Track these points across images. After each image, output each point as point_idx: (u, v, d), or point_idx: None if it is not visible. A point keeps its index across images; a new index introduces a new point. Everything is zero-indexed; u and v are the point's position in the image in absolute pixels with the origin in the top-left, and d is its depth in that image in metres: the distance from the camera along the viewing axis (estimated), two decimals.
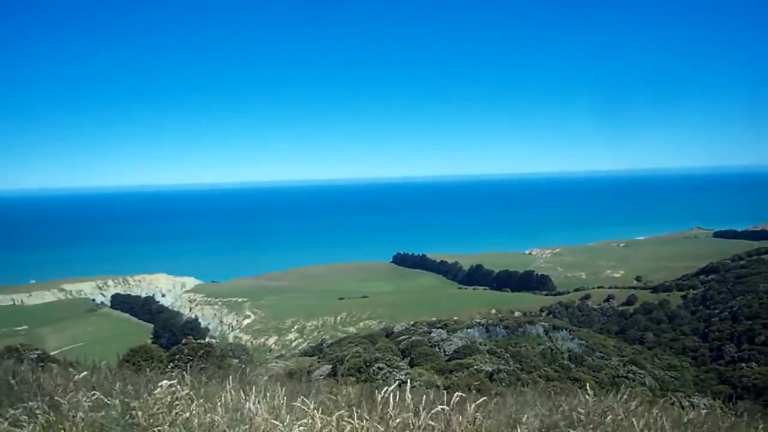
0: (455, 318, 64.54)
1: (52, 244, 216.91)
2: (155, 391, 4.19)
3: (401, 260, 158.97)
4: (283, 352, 78.79)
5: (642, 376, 40.40)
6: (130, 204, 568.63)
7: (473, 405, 3.55)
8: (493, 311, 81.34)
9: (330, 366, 36.31)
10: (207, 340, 71.85)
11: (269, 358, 70.01)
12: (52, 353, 45.93)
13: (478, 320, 57.69)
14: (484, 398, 4.27)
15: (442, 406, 3.23)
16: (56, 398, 4.34)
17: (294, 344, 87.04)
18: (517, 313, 74.96)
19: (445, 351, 40.01)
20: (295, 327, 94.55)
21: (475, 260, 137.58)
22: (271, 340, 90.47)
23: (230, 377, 4.56)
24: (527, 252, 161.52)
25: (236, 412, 3.70)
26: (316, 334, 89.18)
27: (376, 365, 29.39)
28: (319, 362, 42.47)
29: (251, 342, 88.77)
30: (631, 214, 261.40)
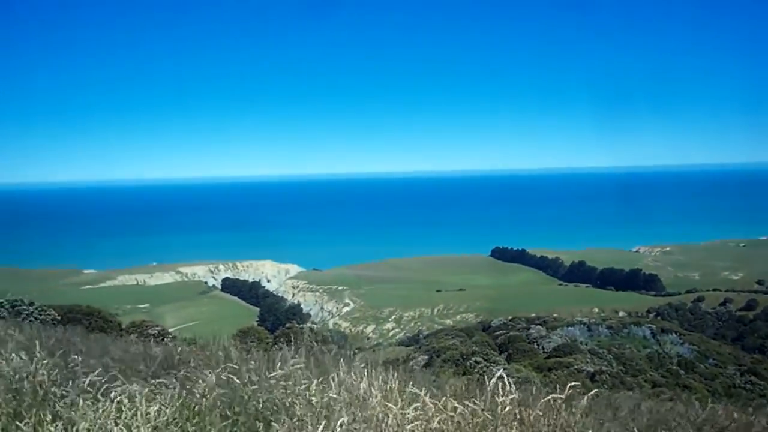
0: (555, 315, 63.00)
1: (171, 230, 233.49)
2: (277, 369, 4.66)
3: (500, 254, 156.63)
4: (381, 341, 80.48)
5: (762, 387, 37.56)
6: (235, 194, 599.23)
7: (585, 397, 3.65)
8: (596, 310, 78.53)
9: (427, 357, 36.82)
10: (309, 325, 74.89)
11: (367, 345, 71.86)
12: (170, 330, 49.76)
13: (580, 318, 56.08)
14: (595, 391, 4.35)
15: (553, 396, 3.38)
16: (187, 373, 4.90)
17: (391, 333, 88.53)
18: (621, 313, 71.98)
19: (543, 348, 39.34)
20: (393, 317, 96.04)
21: (576, 256, 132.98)
22: (369, 329, 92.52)
23: (342, 360, 4.98)
24: (634, 249, 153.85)
25: (351, 393, 4.09)
26: (412, 324, 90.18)
27: (473, 358, 29.52)
28: (415, 352, 43.14)
29: (350, 329, 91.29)
30: (747, 211, 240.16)
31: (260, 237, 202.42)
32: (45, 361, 4.42)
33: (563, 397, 3.40)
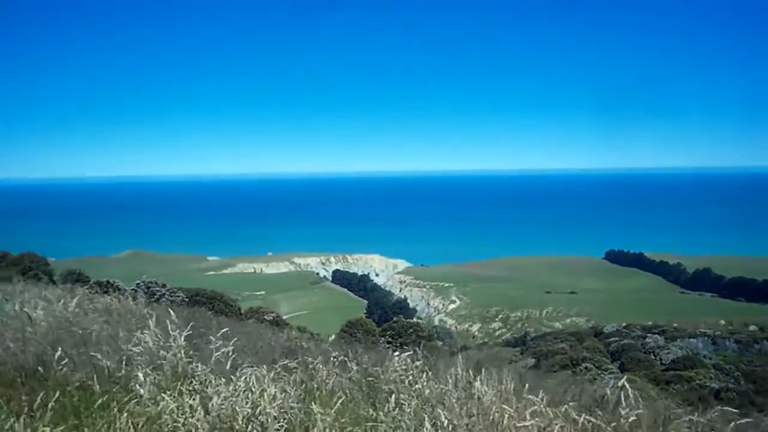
0: (675, 325, 58.95)
1: (288, 222, 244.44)
2: (393, 361, 4.81)
3: (614, 257, 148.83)
4: (486, 340, 79.46)
5: None
6: (348, 188, 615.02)
7: (733, 424, 3.36)
8: (722, 322, 72.43)
9: (533, 359, 35.94)
10: (415, 320, 75.46)
11: (472, 344, 71.26)
12: (284, 317, 52.18)
13: (704, 330, 52.21)
14: (747, 420, 3.91)
15: (691, 417, 3.15)
16: (308, 359, 5.18)
17: (497, 333, 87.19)
18: (752, 327, 65.94)
19: (661, 360, 37.06)
20: (499, 316, 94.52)
21: (701, 262, 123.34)
22: (475, 327, 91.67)
23: (459, 356, 5.07)
24: None
25: (465, 390, 4.16)
26: (519, 325, 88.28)
27: (583, 365, 28.47)
28: (522, 354, 42.22)
29: (455, 327, 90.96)
30: None
31: (370, 231, 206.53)
32: (182, 343, 4.88)
33: (704, 421, 3.19)
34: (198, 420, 3.45)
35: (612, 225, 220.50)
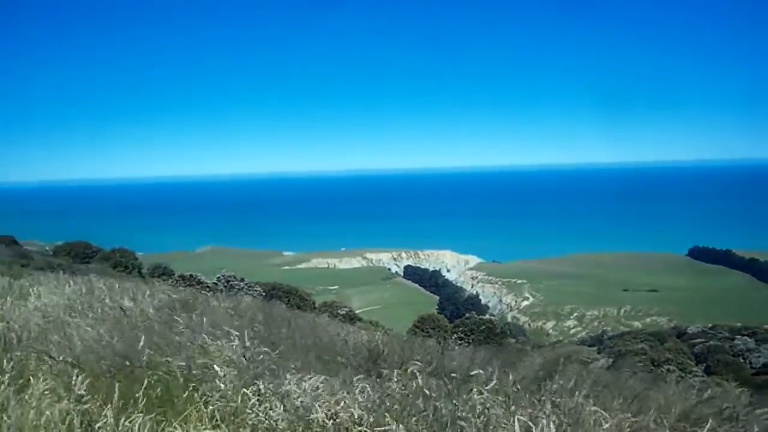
0: (766, 326, 55.47)
1: (359, 219, 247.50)
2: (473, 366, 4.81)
3: (699, 254, 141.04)
4: (561, 338, 77.56)
5: None
6: (419, 184, 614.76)
7: None
8: None
9: (610, 359, 34.75)
10: (487, 316, 74.66)
11: (546, 342, 69.77)
12: (356, 311, 52.96)
13: None
14: None
15: None
16: (384, 362, 5.23)
17: (572, 331, 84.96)
18: None
19: (751, 363, 34.96)
20: (574, 314, 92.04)
21: None
22: (549, 325, 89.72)
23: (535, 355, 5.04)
24: None
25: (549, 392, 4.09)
26: (596, 324, 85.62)
27: (665, 367, 27.31)
28: (598, 354, 40.92)
29: (528, 324, 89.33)
30: None
31: (441, 227, 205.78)
32: (256, 347, 5.09)
33: None
34: (279, 416, 3.60)
35: (694, 220, 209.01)
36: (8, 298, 7.25)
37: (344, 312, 40.16)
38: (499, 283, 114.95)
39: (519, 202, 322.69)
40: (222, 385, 4.01)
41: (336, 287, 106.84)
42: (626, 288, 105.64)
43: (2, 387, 4.40)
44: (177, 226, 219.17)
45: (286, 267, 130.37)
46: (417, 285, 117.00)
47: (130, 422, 3.74)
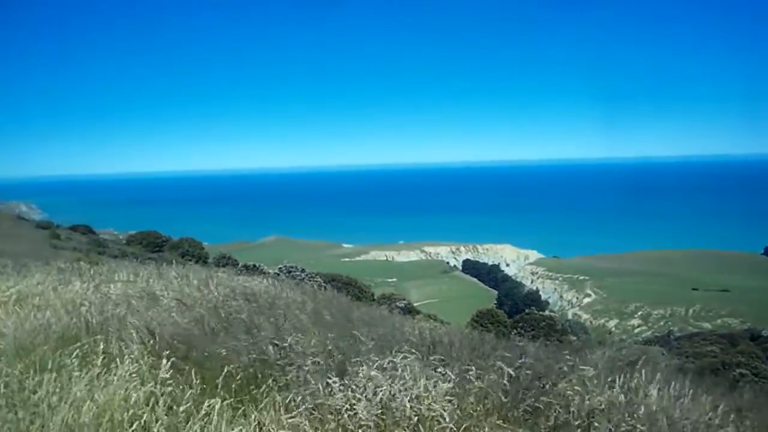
0: None
1: (418, 212, 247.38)
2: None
3: None
4: (624, 337, 75.20)
5: None
6: (477, 178, 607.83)
7: None
8: None
9: (677, 361, 33.48)
10: (547, 313, 73.24)
11: (608, 340, 67.78)
12: (414, 304, 53.00)
13: None
14: None
15: None
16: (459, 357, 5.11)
17: (636, 330, 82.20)
18: None
19: None
20: (639, 313, 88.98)
21: None
22: (612, 323, 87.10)
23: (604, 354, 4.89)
24: None
25: (630, 392, 3.96)
26: (662, 323, 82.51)
27: (737, 370, 26.07)
28: (664, 355, 39.47)
29: (590, 321, 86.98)
30: None
31: (501, 221, 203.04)
32: (331, 336, 5.15)
33: None
34: (364, 407, 3.63)
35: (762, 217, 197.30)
36: (91, 284, 7.65)
37: (402, 304, 40.32)
38: (560, 279, 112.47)
39: (575, 196, 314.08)
40: (300, 374, 4.08)
41: (394, 280, 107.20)
42: (695, 287, 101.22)
43: (90, 369, 4.65)
44: (241, 218, 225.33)
45: (346, 259, 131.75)
46: (475, 279, 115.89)
47: (209, 407, 3.88)
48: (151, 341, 4.96)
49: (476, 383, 3.76)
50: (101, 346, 5.01)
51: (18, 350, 5.43)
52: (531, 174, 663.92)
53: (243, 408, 4.06)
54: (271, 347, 4.63)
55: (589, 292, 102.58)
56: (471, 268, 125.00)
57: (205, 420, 3.77)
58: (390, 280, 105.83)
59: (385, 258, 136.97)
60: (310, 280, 34.83)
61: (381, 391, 3.77)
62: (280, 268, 36.16)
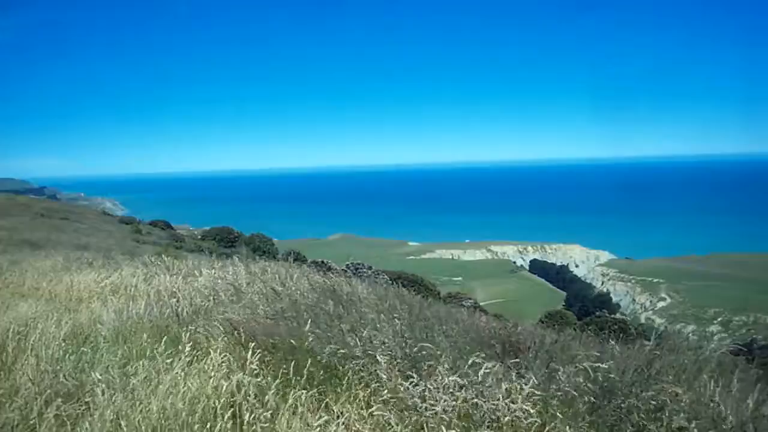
0: None
1: (482, 210, 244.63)
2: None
3: None
4: (702, 344, 71.73)
5: None
6: (545, 176, 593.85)
7: None
8: None
9: (760, 371, 31.64)
10: (618, 315, 70.76)
11: (685, 347, 64.68)
12: (480, 304, 52.48)
13: None
14: None
15: None
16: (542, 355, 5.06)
17: (715, 338, 78.22)
18: None
19: None
20: (719, 319, 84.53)
21: None
22: (688, 329, 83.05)
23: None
24: None
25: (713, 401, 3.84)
26: (744, 331, 78.06)
27: None
28: (747, 364, 37.41)
29: (665, 326, 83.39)
30: None
31: (570, 221, 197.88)
32: (407, 333, 5.26)
33: None
34: (444, 408, 3.71)
35: None
36: (179, 277, 8.07)
37: (469, 303, 39.99)
38: (633, 281, 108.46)
39: (644, 196, 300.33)
40: (384, 374, 4.17)
41: (460, 278, 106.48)
42: None
43: (183, 357, 4.93)
44: (310, 215, 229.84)
45: (411, 257, 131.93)
46: (543, 280, 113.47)
47: (294, 397, 4.05)
48: (238, 332, 5.20)
49: (561, 384, 3.73)
50: (191, 337, 5.30)
51: (117, 337, 5.82)
52: (591, 172, 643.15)
53: (326, 400, 4.21)
54: (351, 340, 4.76)
55: (663, 295, 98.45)
56: (539, 268, 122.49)
57: (292, 410, 3.93)
58: (455, 278, 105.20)
59: (450, 256, 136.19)
60: (376, 277, 35.20)
61: (462, 388, 3.81)
62: (347, 264, 36.59)
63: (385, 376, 4.16)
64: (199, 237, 52.58)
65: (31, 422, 4.07)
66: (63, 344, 5.55)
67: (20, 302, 8.50)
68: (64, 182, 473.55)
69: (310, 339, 4.83)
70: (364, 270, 37.48)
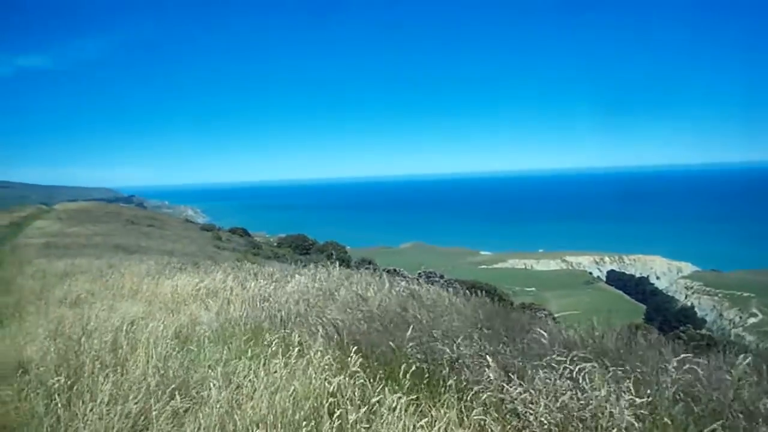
0: None
1: (556, 219, 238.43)
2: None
3: None
4: None
5: None
6: (624, 183, 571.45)
7: None
8: None
9: None
10: (704, 331, 67.06)
11: None
12: (555, 315, 51.12)
13: None
14: None
15: None
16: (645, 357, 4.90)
17: None
18: None
19: None
20: None
21: None
22: None
23: None
24: None
25: None
26: None
27: None
28: None
29: (756, 344, 78.24)
30: None
31: (650, 230, 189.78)
32: (501, 340, 5.25)
33: None
34: (548, 412, 3.71)
35: None
36: (270, 282, 8.41)
37: (543, 314, 39.14)
38: (720, 295, 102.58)
39: (728, 204, 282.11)
40: (472, 373, 4.22)
41: (533, 289, 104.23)
42: None
43: (282, 358, 5.15)
44: (381, 223, 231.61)
45: (483, 266, 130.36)
46: (621, 292, 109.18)
47: (393, 400, 4.15)
48: (336, 336, 5.39)
49: (666, 393, 3.66)
50: (289, 339, 5.53)
51: (218, 338, 6.15)
52: (665, 179, 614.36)
53: (423, 404, 4.30)
54: (443, 346, 4.83)
55: (755, 311, 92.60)
56: (616, 279, 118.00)
57: (393, 414, 4.03)
58: (528, 289, 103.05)
59: (523, 266, 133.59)
60: (448, 287, 35.05)
61: (561, 395, 3.80)
62: (419, 273, 36.64)
63: (489, 379, 4.19)
64: (275, 244, 54.10)
65: (154, 413, 4.37)
66: (171, 342, 5.92)
67: (123, 303, 9.12)
68: (150, 191, 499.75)
69: (410, 344, 4.93)
70: (437, 279, 37.37)
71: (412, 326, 5.39)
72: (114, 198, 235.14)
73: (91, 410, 4.37)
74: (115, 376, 5.04)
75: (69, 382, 5.10)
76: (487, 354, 4.68)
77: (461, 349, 4.89)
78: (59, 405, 4.56)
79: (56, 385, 4.97)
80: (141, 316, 7.22)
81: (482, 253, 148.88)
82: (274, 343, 5.52)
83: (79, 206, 53.60)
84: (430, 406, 4.26)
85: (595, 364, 4.30)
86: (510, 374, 4.22)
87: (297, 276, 8.86)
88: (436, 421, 4.00)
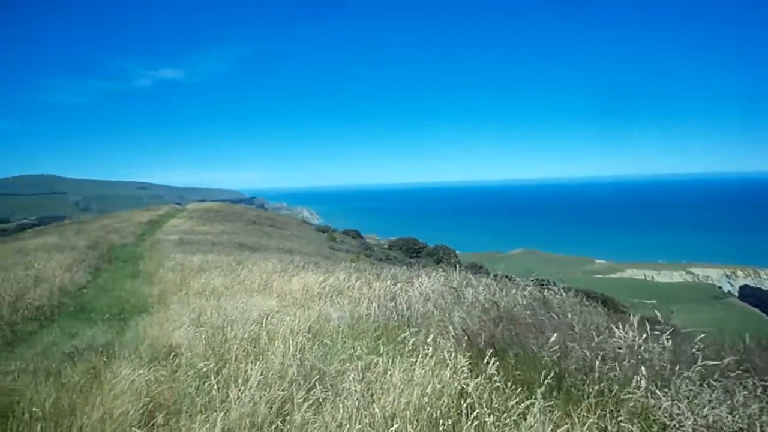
0: None
1: (679, 228, 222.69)
2: None
3: None
4: None
5: None
6: (749, 189, 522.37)
7: None
8: None
9: None
10: None
11: None
12: (682, 331, 47.94)
13: None
14: None
15: None
16: None
17: None
18: None
19: None
20: None
21: None
22: None
23: None
24: None
25: None
26: None
27: None
28: None
29: None
30: None
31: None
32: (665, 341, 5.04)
33: None
34: (692, 424, 3.55)
35: None
36: (395, 283, 8.61)
37: (667, 331, 36.65)
38: None
39: None
40: (642, 383, 4.07)
41: (653, 302, 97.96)
42: None
43: (425, 358, 5.21)
44: (492, 227, 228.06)
45: (598, 275, 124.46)
46: (756, 309, 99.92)
47: (530, 404, 4.11)
48: (466, 337, 5.42)
49: None
50: (419, 338, 5.63)
51: (349, 334, 6.39)
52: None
53: (563, 409, 4.21)
54: (585, 352, 4.72)
55: None
56: (750, 295, 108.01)
57: (534, 418, 3.99)
58: (648, 301, 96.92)
59: (643, 277, 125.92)
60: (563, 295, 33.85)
61: (712, 409, 3.62)
62: (531, 280, 35.74)
63: (638, 389, 4.05)
64: (386, 246, 54.96)
65: (297, 401, 4.63)
66: (306, 335, 6.23)
67: (256, 297, 9.70)
68: (270, 193, 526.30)
69: (551, 349, 4.85)
70: (550, 287, 36.25)
71: (556, 332, 5.28)
72: (238, 199, 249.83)
73: (243, 393, 4.70)
74: (259, 363, 5.38)
75: (217, 367, 5.52)
76: (636, 357, 4.52)
77: (607, 354, 4.76)
78: (214, 387, 4.95)
79: (205, 369, 5.40)
80: (275, 310, 7.65)
81: (597, 261, 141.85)
82: (405, 341, 5.64)
83: (207, 206, 57.44)
84: (568, 412, 4.17)
85: (750, 378, 4.06)
86: (656, 382, 4.05)
87: (423, 277, 8.98)
88: (577, 426, 3.92)
